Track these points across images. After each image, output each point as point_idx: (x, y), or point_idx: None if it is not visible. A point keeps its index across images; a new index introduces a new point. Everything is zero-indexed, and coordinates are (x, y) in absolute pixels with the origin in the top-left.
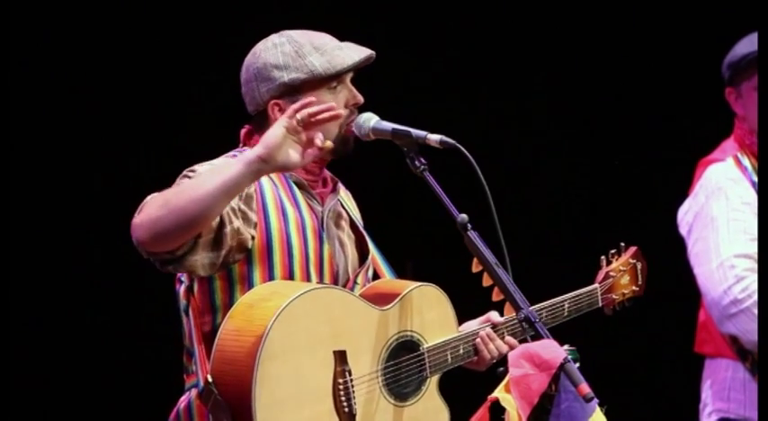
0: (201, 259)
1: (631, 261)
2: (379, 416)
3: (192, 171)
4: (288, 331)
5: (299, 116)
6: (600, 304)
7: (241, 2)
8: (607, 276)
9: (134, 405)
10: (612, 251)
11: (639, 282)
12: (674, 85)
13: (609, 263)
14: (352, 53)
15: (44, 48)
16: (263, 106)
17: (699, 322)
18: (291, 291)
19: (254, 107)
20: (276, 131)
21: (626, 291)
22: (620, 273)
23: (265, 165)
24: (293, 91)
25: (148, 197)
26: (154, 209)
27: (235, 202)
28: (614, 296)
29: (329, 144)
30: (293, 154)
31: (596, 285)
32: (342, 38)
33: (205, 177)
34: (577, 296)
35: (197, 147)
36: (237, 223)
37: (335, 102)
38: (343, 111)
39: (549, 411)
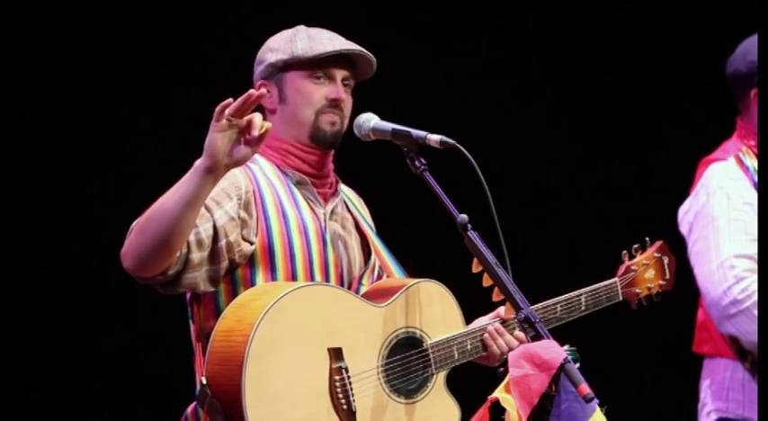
0: (201, 275)
1: (656, 255)
2: (382, 413)
3: None
4: (277, 329)
5: (226, 111)
6: (620, 298)
7: (251, 6)
8: (628, 270)
9: (146, 412)
10: (636, 245)
11: (667, 276)
12: (676, 84)
13: (632, 257)
14: (337, 43)
15: (44, 47)
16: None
17: (698, 322)
18: (282, 289)
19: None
20: (211, 138)
21: (651, 285)
22: (642, 267)
23: (216, 172)
24: (277, 72)
25: (133, 223)
26: (133, 236)
27: (234, 210)
28: (637, 290)
29: (268, 125)
30: (239, 149)
31: (616, 279)
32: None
33: (167, 196)
34: (595, 290)
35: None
36: (234, 236)
37: (317, 92)
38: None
39: (549, 411)
